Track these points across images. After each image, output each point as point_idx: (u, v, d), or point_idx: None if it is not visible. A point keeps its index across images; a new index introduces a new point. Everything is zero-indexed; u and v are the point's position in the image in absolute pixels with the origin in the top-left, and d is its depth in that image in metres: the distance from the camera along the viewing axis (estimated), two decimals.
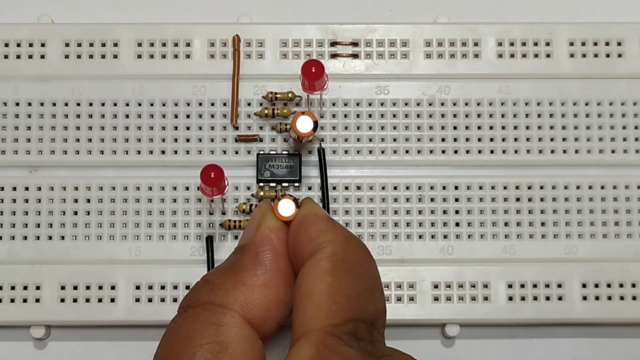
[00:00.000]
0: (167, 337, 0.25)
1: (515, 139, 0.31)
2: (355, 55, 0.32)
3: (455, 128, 0.31)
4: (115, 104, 0.31)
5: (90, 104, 0.31)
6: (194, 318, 0.25)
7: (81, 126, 0.31)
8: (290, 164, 0.31)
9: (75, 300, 0.30)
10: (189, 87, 0.32)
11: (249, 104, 0.31)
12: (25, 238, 0.31)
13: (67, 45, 0.32)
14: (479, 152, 0.31)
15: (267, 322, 0.25)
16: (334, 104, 0.32)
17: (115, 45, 0.32)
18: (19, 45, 0.32)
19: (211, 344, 0.24)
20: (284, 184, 0.31)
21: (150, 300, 0.30)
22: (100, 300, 0.30)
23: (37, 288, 0.30)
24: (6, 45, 0.32)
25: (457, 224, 0.31)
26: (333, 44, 0.32)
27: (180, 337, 0.24)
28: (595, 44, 0.32)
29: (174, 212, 0.31)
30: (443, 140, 0.31)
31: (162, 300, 0.30)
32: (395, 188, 0.31)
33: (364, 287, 0.25)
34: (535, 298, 0.30)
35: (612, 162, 0.32)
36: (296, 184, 0.31)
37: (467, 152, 0.31)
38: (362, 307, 0.25)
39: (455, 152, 0.31)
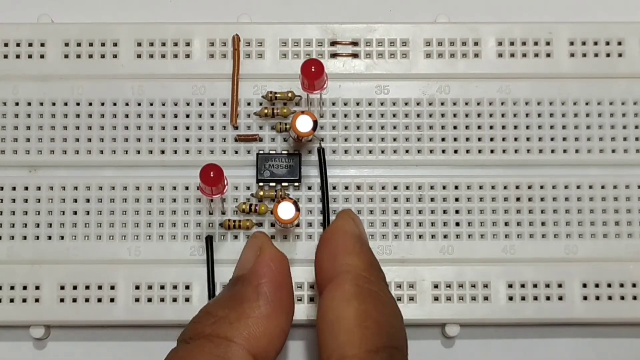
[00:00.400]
0: None
1: (516, 139, 0.31)
2: (355, 55, 0.32)
3: (455, 128, 0.31)
4: (114, 104, 0.31)
5: (90, 104, 0.31)
6: (198, 350, 0.24)
7: (81, 126, 0.31)
8: (290, 164, 0.31)
9: (74, 300, 0.30)
10: (188, 86, 0.31)
11: (248, 104, 0.31)
12: (25, 238, 0.31)
13: (66, 44, 0.32)
14: (479, 151, 0.31)
15: (270, 354, 0.25)
16: (333, 104, 0.31)
17: (115, 44, 0.32)
18: (18, 44, 0.32)
19: None
20: (283, 184, 0.31)
21: (149, 300, 0.30)
22: (99, 300, 0.30)
23: (37, 288, 0.30)
24: (6, 45, 0.32)
25: (457, 224, 0.31)
26: (333, 43, 0.32)
27: None
28: (596, 43, 0.32)
29: (173, 211, 0.31)
30: (443, 139, 0.31)
31: (162, 300, 0.30)
32: (395, 188, 0.31)
33: (390, 312, 0.25)
34: (535, 298, 0.30)
35: (612, 162, 0.31)
36: (296, 184, 0.31)
37: (467, 151, 0.31)
38: (393, 332, 0.24)
39: (455, 151, 0.31)
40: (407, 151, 0.31)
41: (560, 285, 0.30)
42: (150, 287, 0.30)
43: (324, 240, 0.26)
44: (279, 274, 0.26)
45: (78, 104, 0.31)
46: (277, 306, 0.25)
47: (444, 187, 0.31)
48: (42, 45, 0.32)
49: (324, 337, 0.24)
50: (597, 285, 0.30)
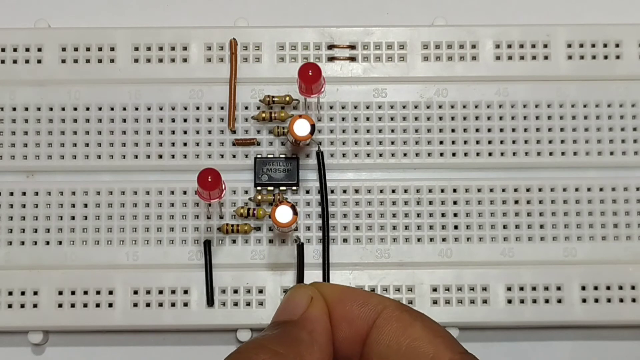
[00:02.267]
0: None
1: (514, 141, 0.31)
2: (352, 58, 0.32)
3: (453, 131, 0.31)
4: (112, 109, 0.31)
5: (87, 109, 0.31)
6: None
7: (78, 131, 0.31)
8: (288, 168, 0.31)
9: (73, 306, 0.30)
10: (186, 91, 0.31)
11: (246, 108, 0.31)
12: (23, 243, 0.31)
13: (63, 49, 0.32)
14: (477, 154, 0.31)
15: None
16: (331, 107, 0.31)
17: (112, 49, 0.32)
18: (15, 49, 0.32)
19: None
20: (281, 188, 0.31)
21: (148, 305, 0.30)
22: (98, 305, 0.30)
23: (35, 293, 0.30)
24: (3, 50, 0.32)
25: (456, 227, 0.31)
26: (330, 47, 0.32)
27: None
28: (593, 45, 0.32)
29: (171, 216, 0.31)
30: (441, 142, 0.31)
31: (160, 305, 0.30)
32: (393, 191, 0.31)
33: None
34: (534, 301, 0.30)
35: (610, 164, 0.31)
36: (294, 188, 0.31)
37: (465, 154, 0.31)
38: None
39: (454, 154, 0.31)
40: (405, 154, 0.31)
41: (559, 288, 0.30)
42: (148, 292, 0.30)
43: (337, 302, 0.26)
44: (329, 326, 0.26)
45: (75, 109, 0.31)
46: (326, 356, 0.25)
47: (442, 190, 0.31)
48: (39, 50, 0.32)
49: None
50: (596, 288, 0.30)
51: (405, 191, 0.31)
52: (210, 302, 0.30)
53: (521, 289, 0.30)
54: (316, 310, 0.25)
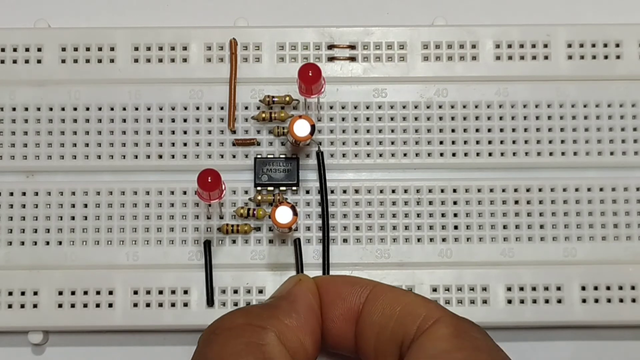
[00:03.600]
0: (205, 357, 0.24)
1: (514, 142, 0.31)
2: (352, 58, 0.32)
3: (453, 131, 0.31)
4: (112, 109, 0.31)
5: (87, 109, 0.31)
6: (234, 337, 0.24)
7: (78, 131, 0.31)
8: (288, 168, 0.31)
9: (73, 306, 0.30)
10: (186, 91, 0.31)
11: (246, 108, 0.31)
12: (23, 243, 0.31)
13: (63, 49, 0.32)
14: (477, 154, 0.31)
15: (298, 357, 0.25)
16: (331, 107, 0.31)
17: (112, 49, 0.32)
18: (15, 49, 0.32)
19: None
20: (281, 188, 0.31)
21: (148, 305, 0.30)
22: (98, 305, 0.30)
23: (35, 293, 0.30)
24: (2, 50, 0.32)
25: (456, 227, 0.31)
26: (330, 47, 0.32)
27: (222, 356, 0.23)
28: (594, 45, 0.32)
29: (171, 216, 0.31)
30: (441, 143, 0.31)
31: (160, 305, 0.30)
32: (393, 191, 0.31)
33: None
34: (534, 301, 0.30)
35: (610, 164, 0.31)
36: (294, 188, 0.31)
37: (465, 154, 0.31)
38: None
39: (454, 154, 0.31)
40: (405, 154, 0.31)
41: (559, 288, 0.30)
42: (148, 292, 0.30)
43: (330, 284, 0.26)
44: (315, 303, 0.26)
45: (75, 109, 0.31)
46: (307, 329, 0.25)
47: (442, 191, 0.31)
48: (39, 50, 0.32)
49: None
50: (596, 288, 0.30)
51: (405, 191, 0.31)
52: (210, 302, 0.30)
53: (521, 289, 0.30)
54: (301, 288, 0.26)
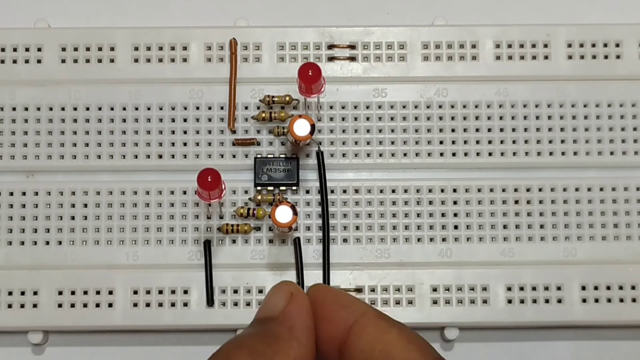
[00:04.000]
0: None
1: (514, 141, 0.31)
2: (352, 58, 0.32)
3: (453, 130, 0.31)
4: (112, 108, 0.31)
5: (87, 109, 0.31)
6: None
7: (78, 131, 0.31)
8: (288, 168, 0.31)
9: (72, 306, 0.30)
10: (186, 90, 0.31)
11: (246, 108, 0.31)
12: (23, 243, 0.31)
13: (63, 49, 0.32)
14: (477, 154, 0.31)
15: None
16: (331, 107, 0.31)
17: (112, 49, 0.32)
18: (15, 49, 0.32)
19: None
20: (281, 188, 0.31)
21: (148, 305, 0.30)
22: (98, 305, 0.30)
23: (35, 293, 0.30)
24: (2, 49, 0.32)
25: (456, 227, 0.31)
26: (330, 47, 0.32)
27: None
28: (594, 45, 0.32)
29: (171, 216, 0.31)
30: (441, 142, 0.31)
31: (160, 305, 0.30)
32: (393, 191, 0.31)
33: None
34: (534, 301, 0.30)
35: (610, 164, 0.31)
36: (294, 188, 0.31)
37: (466, 154, 0.31)
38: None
39: (454, 154, 0.31)
40: (405, 154, 0.31)
41: (559, 288, 0.30)
42: (148, 292, 0.30)
43: (320, 302, 0.26)
44: (311, 324, 0.26)
45: (75, 109, 0.31)
46: (308, 352, 0.25)
47: (442, 190, 0.31)
48: (39, 50, 0.32)
49: None
50: (596, 288, 0.30)
51: (405, 191, 0.31)
52: (210, 302, 0.30)
53: (521, 289, 0.30)
54: (296, 307, 0.26)
